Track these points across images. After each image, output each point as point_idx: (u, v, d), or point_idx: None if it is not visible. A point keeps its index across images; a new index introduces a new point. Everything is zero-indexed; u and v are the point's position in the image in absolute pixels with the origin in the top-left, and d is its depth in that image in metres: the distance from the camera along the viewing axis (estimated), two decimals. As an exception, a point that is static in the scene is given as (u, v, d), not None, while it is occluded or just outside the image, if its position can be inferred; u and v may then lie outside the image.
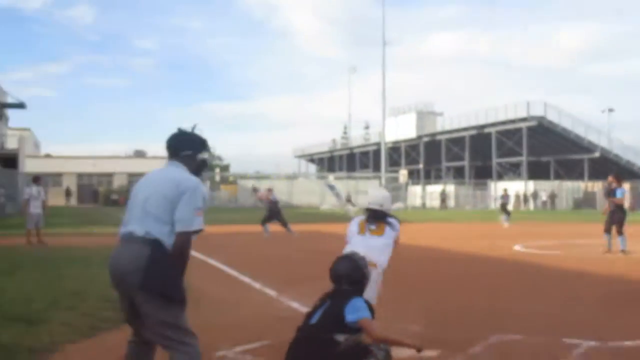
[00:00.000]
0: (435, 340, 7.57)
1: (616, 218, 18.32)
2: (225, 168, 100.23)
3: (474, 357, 6.98)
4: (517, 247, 20.53)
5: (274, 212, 26.63)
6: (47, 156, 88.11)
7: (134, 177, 71.87)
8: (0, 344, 7.29)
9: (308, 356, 5.13)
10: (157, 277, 4.57)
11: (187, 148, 5.01)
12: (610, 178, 19.33)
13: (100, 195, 75.29)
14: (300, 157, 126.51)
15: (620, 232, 18.15)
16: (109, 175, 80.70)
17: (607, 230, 18.50)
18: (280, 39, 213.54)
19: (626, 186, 68.51)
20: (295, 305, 9.79)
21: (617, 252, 17.76)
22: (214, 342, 7.38)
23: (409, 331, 8.03)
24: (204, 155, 5.09)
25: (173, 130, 5.12)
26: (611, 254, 17.81)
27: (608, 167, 70.00)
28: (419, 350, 5.60)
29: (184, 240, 4.69)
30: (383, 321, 7.90)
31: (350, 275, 5.57)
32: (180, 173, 4.90)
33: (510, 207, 38.85)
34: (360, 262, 5.68)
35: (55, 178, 77.77)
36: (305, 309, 9.31)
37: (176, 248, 4.67)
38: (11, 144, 63.84)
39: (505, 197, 37.18)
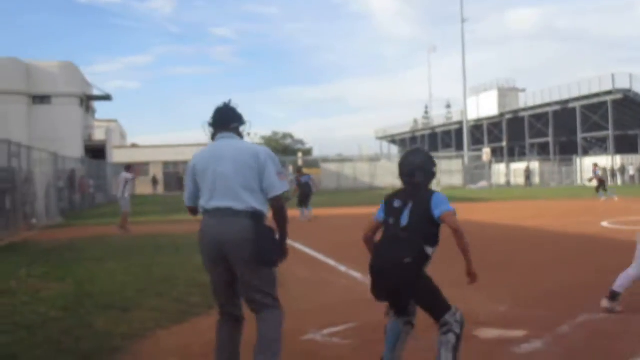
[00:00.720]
0: (521, 320, 7.52)
1: None
2: (307, 152, 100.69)
3: (562, 336, 6.90)
4: (604, 224, 20.12)
5: (305, 193, 26.10)
6: (134, 146, 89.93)
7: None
8: (95, 331, 7.54)
9: (398, 260, 5.05)
10: (264, 247, 4.99)
11: (235, 121, 5.31)
12: None
13: (185, 182, 76.11)
14: (381, 138, 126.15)
15: None
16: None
17: None
18: (358, 22, 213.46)
19: None
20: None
21: None
22: (301, 325, 7.47)
23: (494, 311, 7.99)
24: (242, 128, 5.38)
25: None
26: None
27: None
28: (472, 278, 5.34)
29: (281, 203, 5.18)
30: (465, 304, 7.89)
31: (425, 165, 5.47)
32: (250, 144, 5.29)
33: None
34: (430, 154, 5.66)
35: (142, 167, 79.25)
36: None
37: (278, 212, 5.16)
38: (99, 135, 65.58)
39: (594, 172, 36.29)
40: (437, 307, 5.15)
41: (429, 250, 5.15)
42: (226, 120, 5.27)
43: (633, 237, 16.17)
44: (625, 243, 15.00)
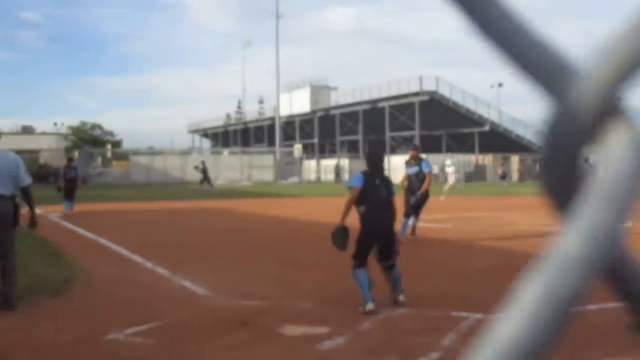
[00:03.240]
0: (325, 317, 7.63)
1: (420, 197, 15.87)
2: (117, 144, 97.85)
3: (364, 332, 7.06)
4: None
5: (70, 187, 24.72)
6: None
7: (21, 154, 69.45)
8: None
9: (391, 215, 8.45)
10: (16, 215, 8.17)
11: None
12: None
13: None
14: (194, 132, 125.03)
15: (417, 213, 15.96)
16: (-5, 152, 77.74)
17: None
18: (171, 12, 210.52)
19: (515, 159, 70.53)
20: (187, 284, 9.66)
21: (503, 226, 17.63)
22: (103, 324, 7.26)
23: (300, 308, 8.07)
24: None
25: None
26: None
27: (497, 140, 71.93)
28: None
29: (28, 190, 8.51)
30: (276, 300, 7.93)
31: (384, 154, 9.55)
32: (10, 154, 8.61)
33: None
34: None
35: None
36: (197, 288, 9.25)
37: (27, 195, 8.51)
38: None
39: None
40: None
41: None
42: None
43: (434, 234, 16.83)
44: (427, 239, 15.59)
